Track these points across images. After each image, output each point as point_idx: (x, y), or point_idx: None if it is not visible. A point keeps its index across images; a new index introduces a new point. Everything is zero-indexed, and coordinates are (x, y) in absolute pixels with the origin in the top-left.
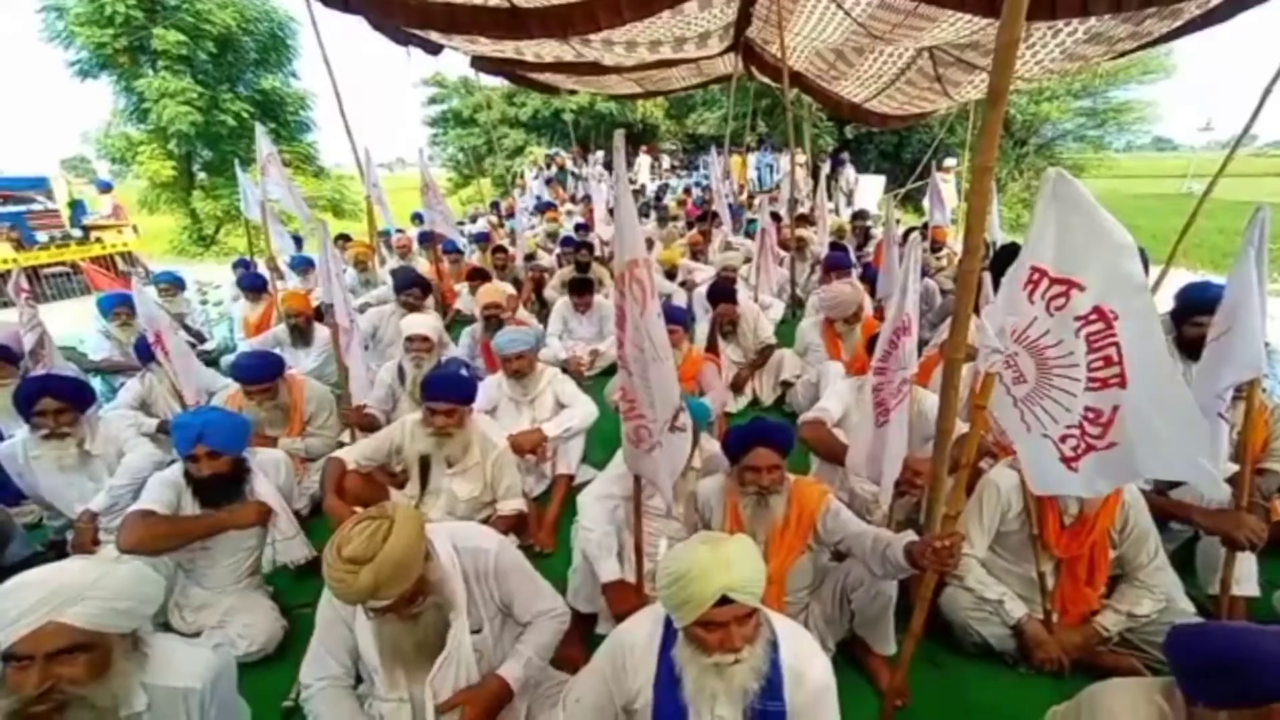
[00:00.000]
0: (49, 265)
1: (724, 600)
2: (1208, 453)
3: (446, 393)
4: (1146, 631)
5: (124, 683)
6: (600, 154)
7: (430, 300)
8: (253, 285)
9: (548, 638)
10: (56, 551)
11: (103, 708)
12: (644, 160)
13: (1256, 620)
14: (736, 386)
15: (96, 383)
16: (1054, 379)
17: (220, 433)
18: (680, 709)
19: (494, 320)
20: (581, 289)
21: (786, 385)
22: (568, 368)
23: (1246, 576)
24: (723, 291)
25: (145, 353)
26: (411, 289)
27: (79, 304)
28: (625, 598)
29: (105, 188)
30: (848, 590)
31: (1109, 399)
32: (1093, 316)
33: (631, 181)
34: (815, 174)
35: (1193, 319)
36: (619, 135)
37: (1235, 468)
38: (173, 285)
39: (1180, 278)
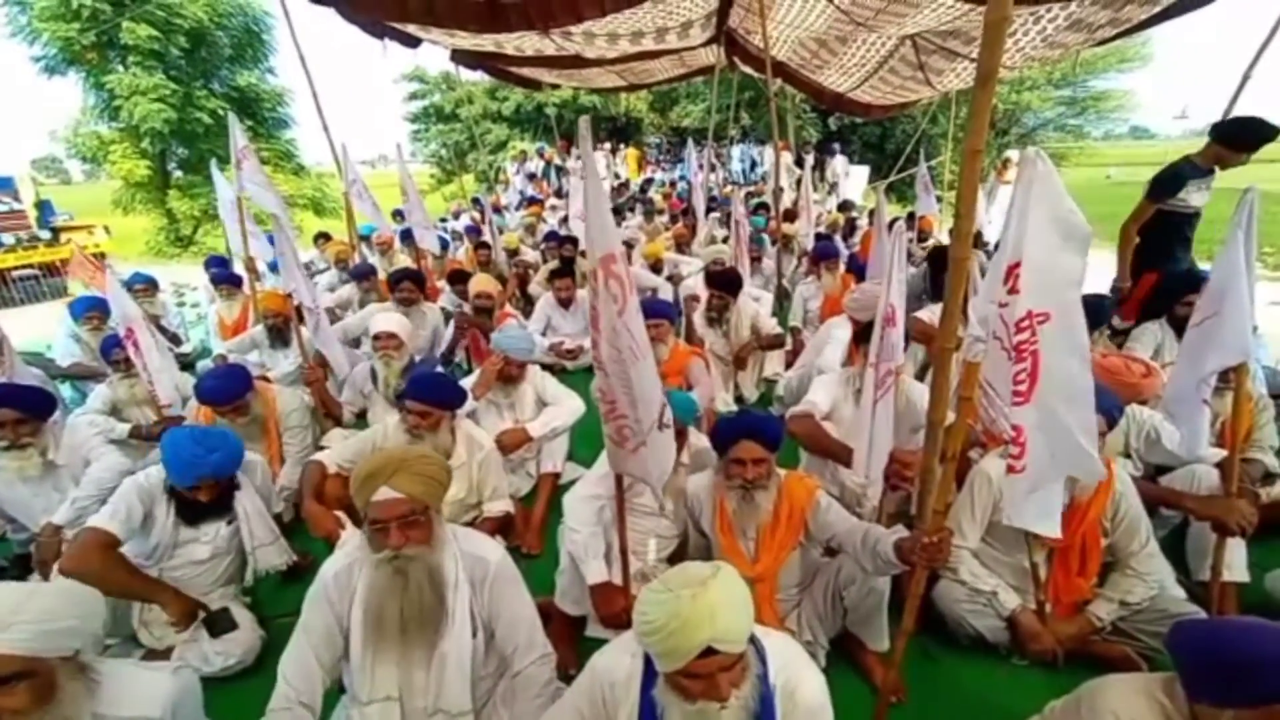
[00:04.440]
0: (16, 268)
1: (708, 650)
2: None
3: (425, 394)
4: (1138, 620)
5: (74, 709)
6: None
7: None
8: (225, 280)
9: (550, 690)
10: (21, 567)
11: None
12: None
13: (1247, 606)
14: (740, 362)
15: (65, 389)
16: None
17: (230, 465)
18: None
19: (485, 311)
20: (562, 275)
21: (770, 383)
22: (551, 364)
23: (1237, 562)
24: (727, 280)
25: (111, 351)
26: (402, 283)
27: (49, 308)
28: (612, 600)
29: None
30: (840, 587)
31: (1020, 416)
32: (1024, 324)
33: (617, 177)
34: (799, 166)
35: (1185, 299)
36: (584, 122)
37: (1222, 453)
38: (148, 286)
39: None
